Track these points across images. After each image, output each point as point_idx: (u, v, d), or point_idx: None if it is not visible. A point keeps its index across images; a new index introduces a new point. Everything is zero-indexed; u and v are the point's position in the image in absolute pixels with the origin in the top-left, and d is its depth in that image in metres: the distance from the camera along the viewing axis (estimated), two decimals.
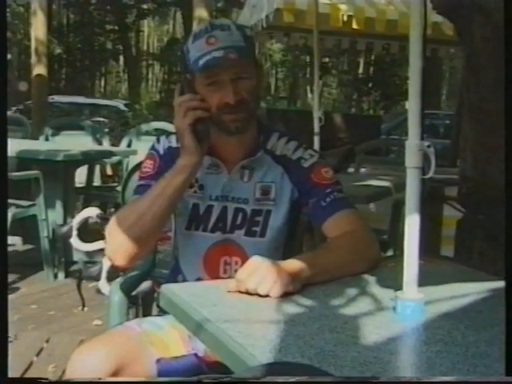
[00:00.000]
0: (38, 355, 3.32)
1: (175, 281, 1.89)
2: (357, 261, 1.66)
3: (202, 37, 1.75)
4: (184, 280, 1.89)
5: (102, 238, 2.00)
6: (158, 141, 1.93)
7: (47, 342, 3.49)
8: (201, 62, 1.73)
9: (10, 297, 4.21)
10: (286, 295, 1.42)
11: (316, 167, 1.86)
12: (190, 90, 1.77)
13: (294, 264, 1.50)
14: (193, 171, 1.76)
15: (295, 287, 1.45)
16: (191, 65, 1.77)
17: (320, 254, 1.66)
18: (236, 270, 1.52)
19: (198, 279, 1.87)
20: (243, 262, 1.55)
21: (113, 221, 1.78)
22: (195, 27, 2.00)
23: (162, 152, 1.89)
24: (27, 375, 3.07)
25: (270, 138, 1.91)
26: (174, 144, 1.86)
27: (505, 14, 1.16)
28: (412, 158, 1.33)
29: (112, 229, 1.77)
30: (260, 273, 1.42)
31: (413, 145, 1.33)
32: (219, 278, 1.82)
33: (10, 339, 3.44)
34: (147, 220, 1.73)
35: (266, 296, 1.40)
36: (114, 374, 1.62)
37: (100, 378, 1.60)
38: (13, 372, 2.96)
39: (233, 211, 1.86)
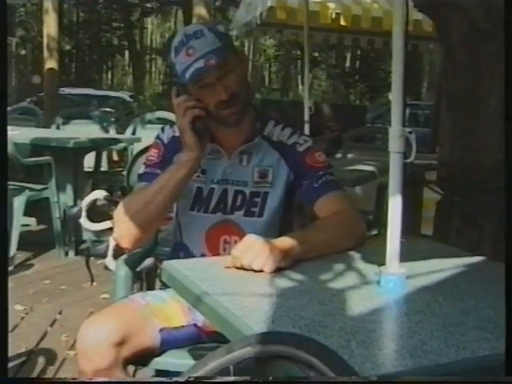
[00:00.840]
0: (51, 326, 3.33)
1: (177, 257, 1.89)
2: (344, 238, 1.66)
3: (182, 50, 1.75)
4: (185, 257, 1.89)
5: (109, 218, 2.00)
6: (163, 130, 1.93)
7: (60, 313, 3.50)
8: (187, 75, 1.73)
9: (26, 273, 4.23)
10: (278, 270, 1.42)
11: (310, 151, 1.86)
12: (186, 93, 1.78)
13: (285, 241, 1.50)
14: (193, 165, 1.77)
15: (287, 263, 1.45)
16: (179, 76, 1.76)
17: (310, 232, 1.65)
18: None
19: (201, 256, 1.87)
20: None
21: (120, 208, 1.79)
22: (175, 37, 1.96)
23: (166, 141, 1.89)
24: (42, 345, 3.08)
25: (266, 125, 1.91)
26: (177, 133, 1.85)
27: (505, 14, 1.14)
28: (395, 143, 1.33)
29: (119, 215, 1.78)
30: (254, 250, 1.42)
31: (395, 131, 1.33)
32: (219, 256, 1.82)
33: (25, 311, 3.46)
34: (152, 209, 1.75)
35: (260, 271, 1.40)
36: (121, 343, 1.63)
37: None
38: (29, 342, 2.97)
39: (233, 193, 1.86)
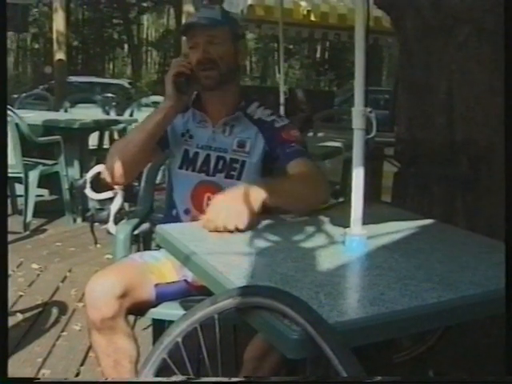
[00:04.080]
0: (62, 282, 3.31)
1: (171, 215, 1.89)
2: (307, 193, 1.66)
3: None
4: (177, 213, 1.88)
5: (110, 189, 1.98)
6: None
7: (70, 271, 3.48)
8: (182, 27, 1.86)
9: (40, 236, 4.21)
10: (253, 227, 1.42)
11: (286, 128, 1.84)
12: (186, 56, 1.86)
13: (252, 189, 1.49)
14: (168, 113, 1.78)
15: (257, 208, 1.46)
16: None
17: (278, 180, 1.67)
18: None
19: (187, 210, 1.86)
20: None
21: (110, 148, 1.86)
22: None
23: None
24: (55, 298, 3.06)
25: (250, 105, 1.90)
26: None
27: (505, 14, 1.11)
28: (358, 121, 1.32)
29: (108, 153, 1.83)
30: (224, 211, 1.41)
31: (358, 110, 1.32)
32: (203, 210, 1.81)
33: (41, 269, 3.43)
34: (131, 147, 1.79)
35: (237, 231, 1.39)
36: (123, 296, 1.61)
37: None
38: (44, 295, 2.95)
39: (215, 158, 1.85)
